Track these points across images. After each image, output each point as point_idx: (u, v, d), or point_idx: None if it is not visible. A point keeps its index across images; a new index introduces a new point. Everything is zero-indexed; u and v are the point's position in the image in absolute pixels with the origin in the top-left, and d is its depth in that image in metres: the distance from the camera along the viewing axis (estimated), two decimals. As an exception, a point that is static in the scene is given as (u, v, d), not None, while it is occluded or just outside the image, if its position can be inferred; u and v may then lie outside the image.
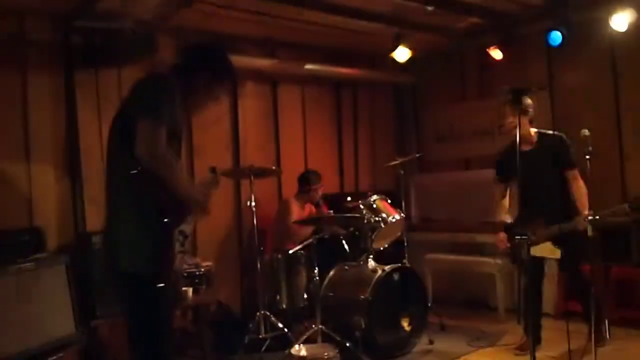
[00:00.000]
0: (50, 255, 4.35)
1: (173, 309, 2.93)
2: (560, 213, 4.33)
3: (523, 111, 4.17)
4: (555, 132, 4.58)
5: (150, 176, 2.47)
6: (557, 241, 4.21)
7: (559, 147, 4.45)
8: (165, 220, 2.57)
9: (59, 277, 4.08)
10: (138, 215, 2.54)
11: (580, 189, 4.35)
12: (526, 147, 4.37)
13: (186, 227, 2.69)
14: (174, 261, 2.66)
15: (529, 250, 3.52)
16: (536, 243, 4.04)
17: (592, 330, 3.69)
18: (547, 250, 4.26)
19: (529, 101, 4.37)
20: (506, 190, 4.74)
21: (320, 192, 5.72)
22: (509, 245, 4.51)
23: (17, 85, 4.63)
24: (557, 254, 4.16)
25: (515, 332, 4.95)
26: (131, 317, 2.67)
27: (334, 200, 5.74)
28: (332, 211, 5.12)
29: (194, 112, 2.95)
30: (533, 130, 4.50)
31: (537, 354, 3.64)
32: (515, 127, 4.20)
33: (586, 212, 4.13)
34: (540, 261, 4.43)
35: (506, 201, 4.73)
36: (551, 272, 5.18)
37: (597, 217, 3.77)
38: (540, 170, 4.35)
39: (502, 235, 4.55)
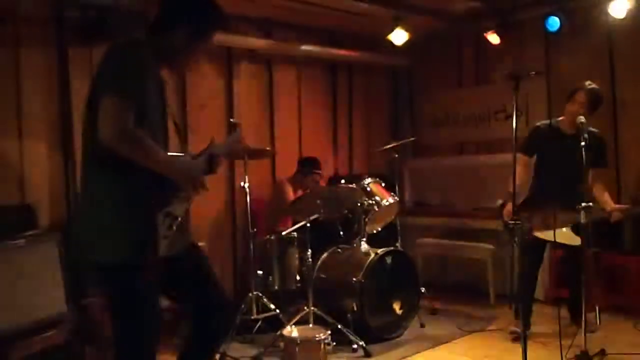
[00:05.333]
0: (41, 233, 4.32)
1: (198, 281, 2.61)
2: (580, 200, 4.34)
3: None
4: (596, 130, 4.53)
5: (121, 158, 2.22)
6: (577, 228, 4.20)
7: (602, 145, 4.50)
8: (142, 204, 2.32)
9: (50, 254, 4.05)
10: (110, 202, 2.29)
11: (605, 189, 4.43)
12: (570, 131, 4.42)
13: (176, 208, 2.43)
14: (158, 249, 2.36)
15: (530, 233, 3.50)
16: (552, 228, 4.01)
17: (584, 316, 3.71)
18: (566, 237, 4.23)
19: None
20: (528, 165, 4.69)
21: (317, 180, 5.69)
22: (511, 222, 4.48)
23: (10, 60, 4.55)
24: (576, 240, 4.14)
25: (505, 317, 4.97)
26: (111, 313, 2.44)
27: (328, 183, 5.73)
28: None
29: (184, 70, 2.69)
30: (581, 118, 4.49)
31: (527, 340, 3.64)
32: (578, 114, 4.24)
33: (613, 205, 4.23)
34: (542, 246, 4.45)
35: (524, 173, 4.65)
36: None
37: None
38: (577, 156, 4.35)
39: (510, 207, 4.50)
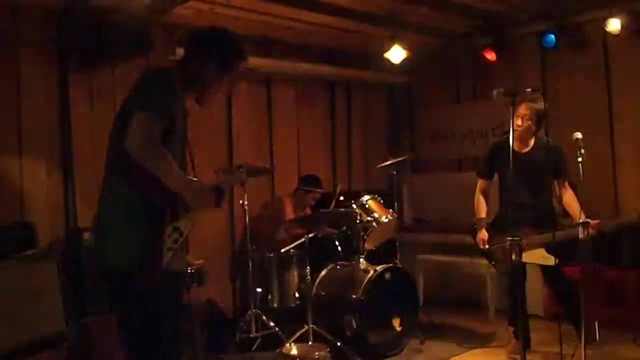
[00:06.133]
0: (40, 251, 4.33)
1: (172, 312, 2.69)
2: (549, 219, 4.33)
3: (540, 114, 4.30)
4: (551, 140, 4.53)
5: (142, 171, 2.39)
6: (550, 247, 4.19)
7: (559, 156, 4.38)
8: (155, 216, 2.47)
9: (49, 273, 4.06)
10: (125, 211, 2.46)
11: (573, 197, 4.33)
12: (524, 149, 4.39)
13: (183, 225, 2.57)
14: (162, 259, 2.49)
15: (520, 252, 3.48)
16: (525, 249, 4.01)
17: (582, 332, 3.70)
18: (538, 257, 4.23)
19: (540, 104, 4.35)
20: (487, 187, 4.70)
21: (317, 199, 5.70)
22: (487, 246, 4.50)
23: (10, 80, 4.59)
24: (549, 260, 4.13)
25: (505, 333, 4.96)
26: (119, 318, 2.59)
27: (326, 200, 5.73)
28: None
29: (205, 103, 2.85)
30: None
31: (528, 356, 3.64)
32: (526, 129, 4.22)
33: (583, 219, 4.14)
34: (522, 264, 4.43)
35: (483, 200, 4.68)
36: (539, 274, 5.19)
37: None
38: (535, 174, 4.34)
39: (485, 234, 4.52)
